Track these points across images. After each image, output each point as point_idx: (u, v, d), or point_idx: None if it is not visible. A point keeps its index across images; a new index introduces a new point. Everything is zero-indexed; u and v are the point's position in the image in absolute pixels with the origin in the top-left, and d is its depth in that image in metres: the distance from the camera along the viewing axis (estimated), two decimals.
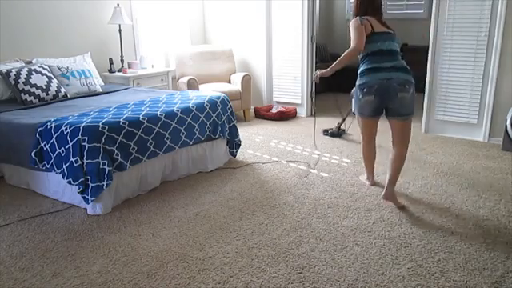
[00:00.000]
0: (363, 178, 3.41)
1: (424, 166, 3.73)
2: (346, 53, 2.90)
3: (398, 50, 2.96)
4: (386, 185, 2.96)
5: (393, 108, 2.88)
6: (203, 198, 3.13)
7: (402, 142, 2.96)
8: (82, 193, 2.82)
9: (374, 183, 3.33)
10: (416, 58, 6.77)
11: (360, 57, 2.98)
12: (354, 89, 3.04)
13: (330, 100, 6.69)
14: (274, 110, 5.57)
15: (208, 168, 3.66)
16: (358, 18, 2.96)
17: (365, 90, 2.87)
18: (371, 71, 2.87)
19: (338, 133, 4.64)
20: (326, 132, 4.72)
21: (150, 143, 3.12)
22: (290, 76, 5.65)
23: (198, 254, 2.39)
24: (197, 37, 6.15)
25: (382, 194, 2.96)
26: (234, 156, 3.98)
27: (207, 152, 3.67)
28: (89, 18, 4.78)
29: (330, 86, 7.33)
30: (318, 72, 3.16)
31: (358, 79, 2.95)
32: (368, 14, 2.98)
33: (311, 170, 3.64)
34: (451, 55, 4.42)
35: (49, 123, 2.97)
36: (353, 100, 3.14)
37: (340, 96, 6.98)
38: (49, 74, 3.93)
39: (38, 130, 2.98)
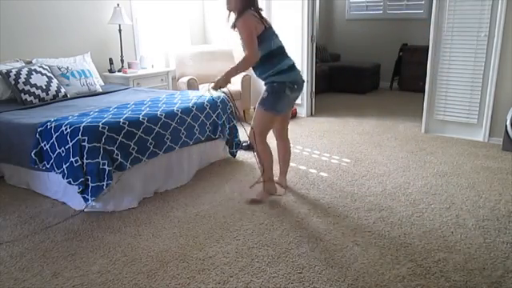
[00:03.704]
0: (278, 189, 3.18)
1: (424, 165, 3.72)
2: (242, 61, 2.76)
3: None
4: (280, 176, 3.26)
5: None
6: (203, 198, 3.13)
7: (286, 133, 3.22)
8: (81, 193, 2.82)
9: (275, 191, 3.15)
10: (416, 58, 6.82)
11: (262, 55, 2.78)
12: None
13: (330, 100, 6.69)
14: None
15: (208, 168, 3.66)
16: (247, 13, 2.72)
17: (295, 86, 2.88)
18: (291, 68, 2.88)
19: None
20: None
21: (150, 143, 3.11)
22: None
23: (198, 253, 2.39)
24: (197, 37, 6.15)
25: (280, 187, 3.21)
26: (234, 156, 3.98)
27: (207, 152, 3.67)
28: (89, 18, 4.77)
29: (331, 85, 7.35)
30: (213, 85, 2.89)
31: (277, 76, 2.81)
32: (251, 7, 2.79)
33: (310, 170, 3.65)
34: (451, 55, 4.42)
35: (49, 123, 2.97)
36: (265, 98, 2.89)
37: (339, 96, 7.01)
38: (49, 74, 3.93)
39: (38, 129, 2.98)
